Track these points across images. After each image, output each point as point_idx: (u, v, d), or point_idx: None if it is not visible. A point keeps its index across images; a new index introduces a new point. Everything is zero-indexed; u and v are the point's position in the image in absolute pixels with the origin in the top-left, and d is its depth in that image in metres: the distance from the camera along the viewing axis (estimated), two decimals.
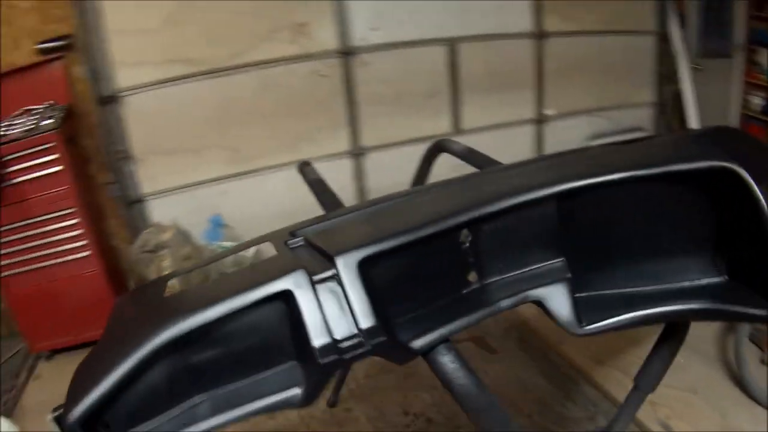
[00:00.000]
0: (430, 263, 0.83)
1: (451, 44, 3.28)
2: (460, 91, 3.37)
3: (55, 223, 2.88)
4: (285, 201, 2.94)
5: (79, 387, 0.70)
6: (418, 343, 0.79)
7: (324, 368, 0.72)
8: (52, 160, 2.82)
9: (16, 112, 3.00)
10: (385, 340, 0.73)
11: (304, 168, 1.66)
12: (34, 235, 2.87)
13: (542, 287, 0.85)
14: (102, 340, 0.80)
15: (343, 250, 0.74)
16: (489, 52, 3.35)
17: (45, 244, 2.89)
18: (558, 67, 3.47)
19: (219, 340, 0.75)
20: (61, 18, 3.03)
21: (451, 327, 0.81)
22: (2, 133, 2.86)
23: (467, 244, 0.84)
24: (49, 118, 2.91)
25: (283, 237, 0.88)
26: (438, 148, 1.68)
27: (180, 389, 0.75)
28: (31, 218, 2.85)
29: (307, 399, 0.75)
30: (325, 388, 0.72)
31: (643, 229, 0.88)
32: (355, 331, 0.72)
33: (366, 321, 0.72)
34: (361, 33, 3.19)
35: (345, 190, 3.30)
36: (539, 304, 0.86)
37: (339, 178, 3.33)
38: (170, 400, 0.74)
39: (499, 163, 1.26)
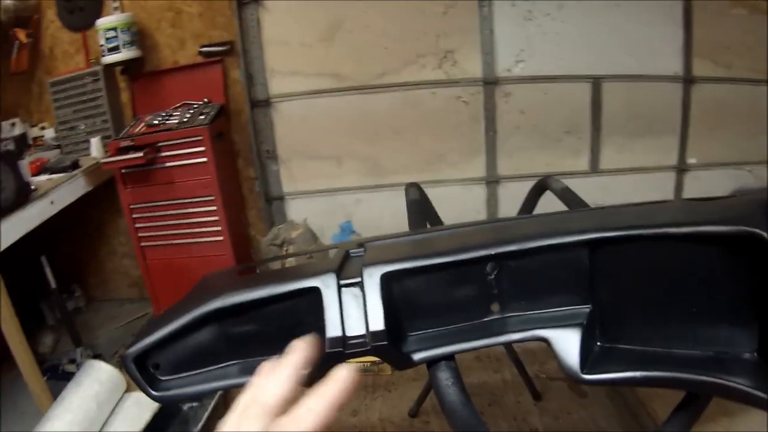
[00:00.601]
0: (454, 288, 0.88)
1: (595, 82, 3.24)
2: (601, 130, 3.30)
3: (196, 207, 3.08)
4: None
5: (142, 334, 0.88)
6: (419, 356, 0.86)
7: (328, 357, 0.82)
8: (199, 152, 3.02)
9: (176, 105, 3.20)
10: (386, 344, 0.81)
11: (409, 188, 1.78)
12: (175, 214, 3.10)
13: (554, 329, 0.86)
14: (175, 304, 0.95)
15: (371, 264, 0.84)
16: (633, 93, 3.27)
17: (184, 224, 3.11)
18: (704, 114, 3.32)
19: (257, 319, 0.89)
20: (224, 25, 3.26)
21: (454, 347, 0.87)
22: (161, 121, 3.06)
23: (492, 277, 0.87)
24: (203, 114, 3.09)
25: (351, 246, 1.00)
26: (542, 185, 1.75)
27: (220, 352, 0.90)
28: (175, 199, 3.07)
29: (310, 380, 0.83)
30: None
31: (674, 289, 0.83)
32: (364, 332, 0.82)
33: (374, 325, 0.82)
34: (506, 64, 3.21)
35: (478, 215, 3.29)
36: (547, 343, 0.87)
37: (472, 202, 3.36)
38: (211, 359, 0.90)
39: (587, 206, 1.36)
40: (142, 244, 3.19)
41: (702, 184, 3.42)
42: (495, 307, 0.89)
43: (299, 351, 0.56)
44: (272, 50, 3.23)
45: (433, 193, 3.38)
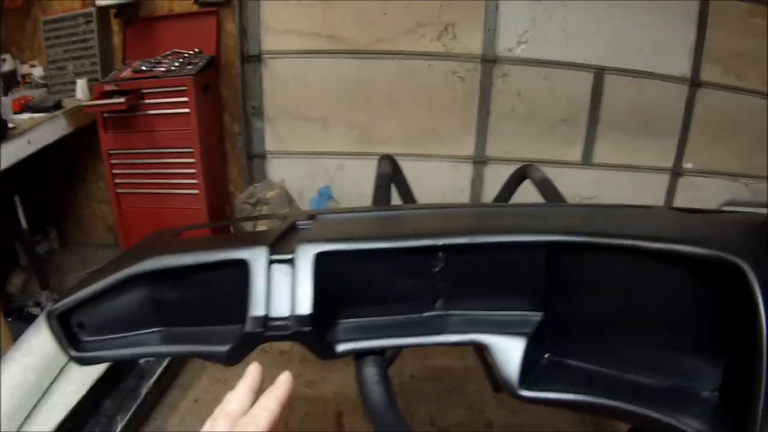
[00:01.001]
0: (396, 277, 0.83)
1: (598, 73, 3.15)
2: (599, 123, 3.21)
3: (174, 158, 3.02)
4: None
5: (70, 291, 0.85)
6: (342, 347, 0.81)
7: (247, 337, 0.78)
8: (182, 102, 2.95)
9: (166, 53, 3.13)
10: (309, 331, 0.76)
11: (382, 160, 1.72)
12: (153, 163, 3.04)
13: (496, 335, 0.79)
14: (110, 261, 0.94)
15: (307, 241, 0.79)
16: (636, 90, 3.17)
17: (161, 173, 3.05)
18: (708, 121, 3.22)
19: (184, 287, 0.85)
20: None
21: (382, 342, 0.82)
22: (148, 68, 2.99)
23: (438, 270, 0.81)
24: (191, 64, 3.02)
25: (302, 217, 0.95)
26: (521, 173, 1.68)
27: (145, 318, 0.87)
28: (154, 148, 3.01)
29: (228, 359, 0.82)
30: None
31: (639, 308, 0.76)
32: (288, 314, 0.76)
33: (300, 308, 0.76)
34: (507, 44, 3.13)
35: (462, 194, 3.22)
36: (487, 349, 0.80)
37: (458, 181, 3.31)
38: (135, 323, 0.87)
39: (563, 202, 1.32)
40: (118, 190, 3.14)
41: (696, 191, 3.34)
42: (438, 302, 0.83)
43: (254, 373, 0.67)
44: (269, 6, 3.16)
45: (419, 167, 3.32)
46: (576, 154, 3.26)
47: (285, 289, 0.78)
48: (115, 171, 3.10)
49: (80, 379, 2.33)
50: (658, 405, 0.71)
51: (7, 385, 2.18)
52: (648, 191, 3.32)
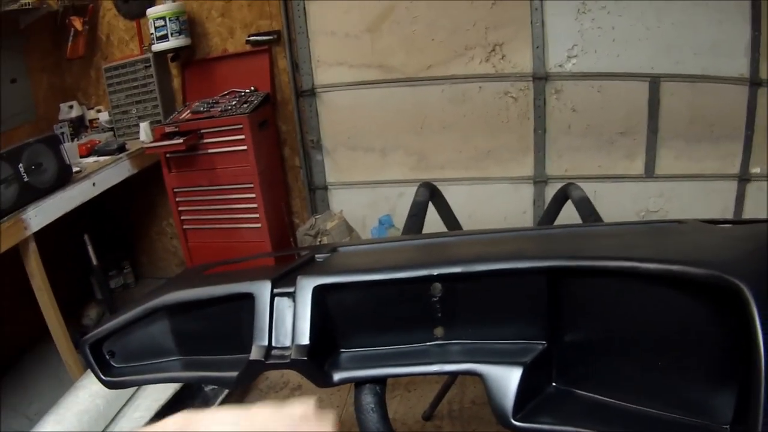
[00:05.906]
0: (395, 307, 0.84)
1: (653, 81, 3.06)
2: (659, 133, 3.12)
3: (235, 194, 3.12)
4: (458, 215, 2.86)
5: (102, 323, 0.94)
6: (338, 376, 0.83)
7: (251, 365, 0.82)
8: (239, 140, 3.04)
9: (224, 92, 3.23)
10: (305, 360, 0.79)
11: (420, 188, 1.72)
12: (216, 199, 3.15)
13: (492, 365, 0.76)
14: (142, 296, 0.99)
15: (307, 274, 0.82)
16: (695, 95, 3.06)
17: (224, 209, 3.16)
18: None
19: (200, 318, 0.92)
20: (272, 15, 3.26)
21: (377, 372, 0.82)
22: (206, 108, 3.09)
23: (436, 299, 0.81)
24: (247, 102, 3.10)
25: (323, 250, 1.00)
26: (563, 192, 1.66)
27: (166, 347, 0.95)
28: (216, 185, 3.12)
29: (235, 385, 0.87)
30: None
31: (645, 337, 0.71)
32: (288, 344, 0.80)
33: (299, 339, 0.80)
34: (557, 59, 3.07)
35: (524, 215, 3.20)
36: (482, 379, 0.78)
37: (519, 202, 3.25)
38: (158, 351, 0.95)
39: (599, 222, 1.30)
40: (185, 226, 3.27)
41: (766, 196, 3.18)
42: (439, 332, 0.84)
43: None
44: (318, 40, 3.22)
45: (479, 191, 3.30)
46: (638, 167, 3.16)
47: (287, 320, 0.82)
48: (180, 208, 3.23)
49: (147, 406, 2.45)
50: None
51: (75, 409, 2.31)
52: (716, 200, 3.19)
